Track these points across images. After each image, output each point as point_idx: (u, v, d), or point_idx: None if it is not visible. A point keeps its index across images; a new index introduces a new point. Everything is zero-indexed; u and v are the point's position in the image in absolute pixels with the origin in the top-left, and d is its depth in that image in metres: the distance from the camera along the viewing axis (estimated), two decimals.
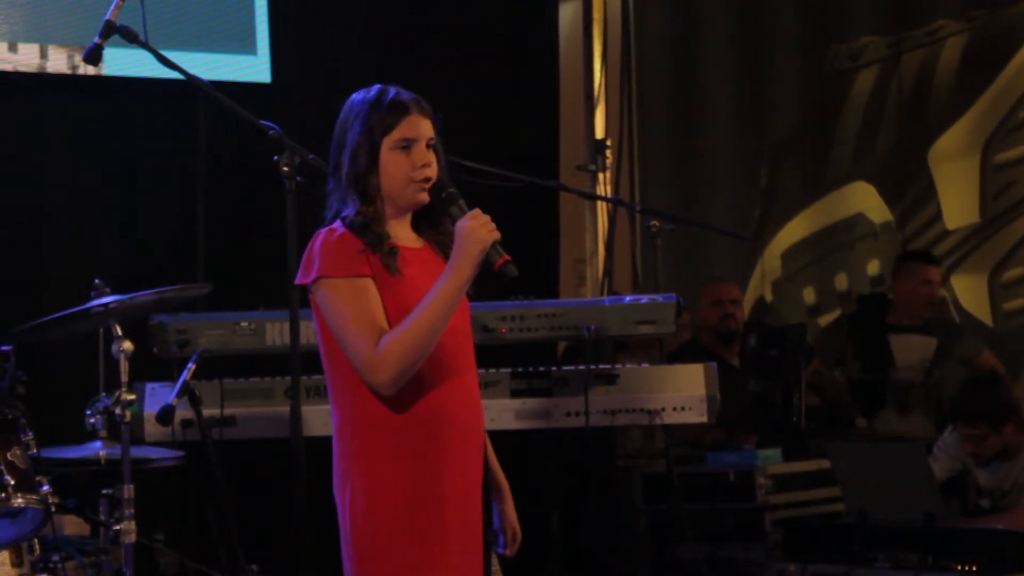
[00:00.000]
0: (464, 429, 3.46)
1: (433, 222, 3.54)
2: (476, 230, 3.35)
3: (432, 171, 3.47)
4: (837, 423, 7.55)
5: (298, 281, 3.47)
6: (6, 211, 6.35)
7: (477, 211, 3.40)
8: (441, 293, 3.35)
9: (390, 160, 3.45)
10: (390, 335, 3.34)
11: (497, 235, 3.37)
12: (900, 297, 7.66)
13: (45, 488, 4.62)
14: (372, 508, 3.39)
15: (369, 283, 3.39)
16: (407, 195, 3.46)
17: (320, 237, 3.44)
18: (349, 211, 3.45)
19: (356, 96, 3.53)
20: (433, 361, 3.39)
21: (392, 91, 3.49)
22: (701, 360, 5.92)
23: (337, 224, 3.45)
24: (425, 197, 3.47)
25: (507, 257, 3.36)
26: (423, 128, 3.47)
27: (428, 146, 3.47)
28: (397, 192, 3.46)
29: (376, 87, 3.52)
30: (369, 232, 3.42)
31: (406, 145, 3.45)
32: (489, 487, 3.60)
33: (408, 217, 3.52)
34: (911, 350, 7.53)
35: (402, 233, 3.51)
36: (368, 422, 3.41)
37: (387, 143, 3.45)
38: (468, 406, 3.48)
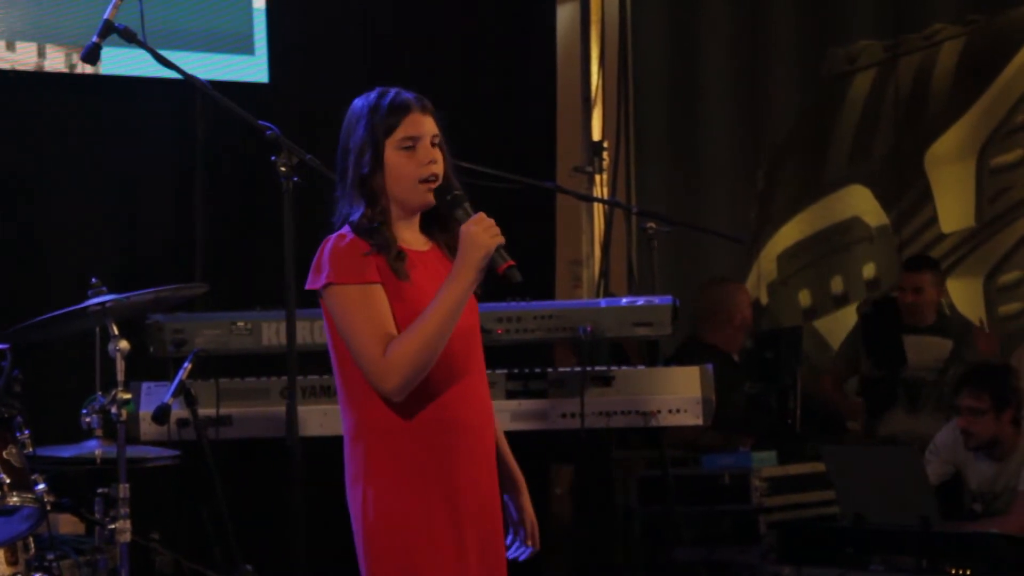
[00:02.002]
0: (474, 430, 3.46)
1: (441, 224, 3.51)
2: (479, 235, 3.35)
3: (439, 168, 3.44)
4: (832, 427, 7.57)
5: (308, 286, 3.46)
6: (3, 210, 6.35)
7: (481, 215, 3.39)
8: (446, 298, 3.34)
9: (395, 160, 3.43)
10: (397, 341, 3.33)
11: (501, 240, 3.36)
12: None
13: (41, 487, 4.61)
14: (387, 511, 3.38)
15: (378, 289, 3.38)
16: (414, 196, 3.44)
17: (330, 243, 3.43)
18: (356, 215, 3.43)
19: (357, 101, 3.51)
20: (442, 364, 3.38)
21: (392, 92, 3.47)
22: (701, 358, 5.93)
23: (346, 230, 3.44)
24: (432, 198, 3.45)
25: (511, 262, 3.36)
26: (426, 126, 3.45)
27: (433, 144, 3.45)
28: (404, 193, 3.44)
29: (376, 90, 3.50)
30: (376, 235, 3.41)
31: (410, 144, 3.43)
32: (503, 485, 3.59)
33: (416, 219, 3.51)
34: (925, 350, 7.56)
35: (409, 236, 3.49)
36: (379, 427, 3.40)
37: (391, 143, 3.43)
38: (477, 407, 3.48)
